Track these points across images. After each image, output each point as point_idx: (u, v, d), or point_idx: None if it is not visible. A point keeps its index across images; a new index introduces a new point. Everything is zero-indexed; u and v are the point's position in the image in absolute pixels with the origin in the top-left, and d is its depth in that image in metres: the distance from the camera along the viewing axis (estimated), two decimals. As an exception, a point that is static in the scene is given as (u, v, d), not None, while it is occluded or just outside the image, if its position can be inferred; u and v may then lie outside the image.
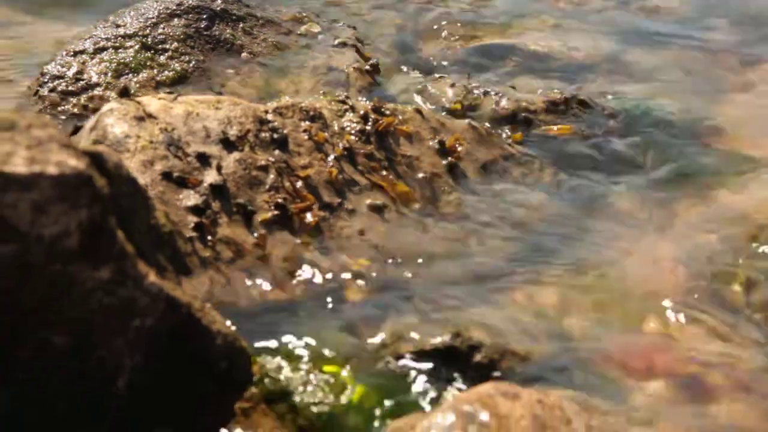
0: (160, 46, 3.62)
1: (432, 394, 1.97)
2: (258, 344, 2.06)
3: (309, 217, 2.53)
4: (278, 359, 2.03)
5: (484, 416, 1.68)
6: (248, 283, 2.29)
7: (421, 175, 2.90)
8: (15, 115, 1.51)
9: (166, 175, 2.36)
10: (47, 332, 1.50)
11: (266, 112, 2.74)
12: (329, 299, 2.29)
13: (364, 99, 3.27)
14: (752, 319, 2.41)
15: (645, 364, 2.18)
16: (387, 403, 1.93)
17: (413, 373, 2.03)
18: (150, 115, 2.49)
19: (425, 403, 1.94)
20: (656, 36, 4.40)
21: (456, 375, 2.03)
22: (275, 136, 2.66)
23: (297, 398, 1.93)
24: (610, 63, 4.09)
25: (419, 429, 1.67)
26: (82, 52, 3.52)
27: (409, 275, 2.44)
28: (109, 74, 3.43)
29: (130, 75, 3.45)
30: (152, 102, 2.55)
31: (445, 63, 3.92)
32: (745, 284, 2.53)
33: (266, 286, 2.30)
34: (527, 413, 1.71)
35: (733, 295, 2.50)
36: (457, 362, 2.05)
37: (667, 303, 2.43)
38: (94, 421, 1.54)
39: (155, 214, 1.87)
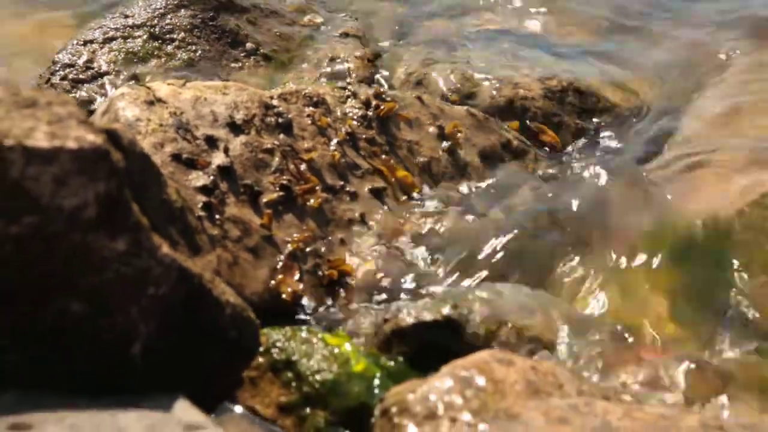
0: (167, 36, 3.67)
1: (431, 363, 2.03)
2: (265, 318, 2.12)
3: (313, 199, 2.59)
4: (284, 332, 2.09)
5: (481, 381, 1.74)
6: (254, 260, 2.36)
7: (421, 159, 2.96)
8: (36, 93, 1.57)
9: (176, 157, 2.42)
10: (67, 299, 1.55)
11: (271, 97, 2.80)
12: (329, 275, 2.35)
13: (366, 86, 3.33)
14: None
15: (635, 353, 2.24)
16: (387, 371, 1.99)
17: (414, 343, 2.09)
18: (160, 100, 2.55)
19: (424, 372, 2.01)
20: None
21: (454, 345, 2.09)
22: (280, 120, 2.72)
23: (302, 368, 1.99)
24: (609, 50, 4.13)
25: (419, 393, 1.73)
26: (91, 41, 3.58)
27: (409, 255, 2.50)
28: (119, 63, 3.49)
29: (139, 64, 3.51)
30: (162, 87, 2.61)
31: (445, 50, 3.96)
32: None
33: (272, 261, 2.36)
34: (521, 378, 1.77)
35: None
36: (455, 333, 2.11)
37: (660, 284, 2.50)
38: (111, 382, 1.60)
39: (167, 190, 1.92)
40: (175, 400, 1.56)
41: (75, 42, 3.57)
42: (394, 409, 1.73)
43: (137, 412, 1.49)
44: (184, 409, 1.54)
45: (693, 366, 2.14)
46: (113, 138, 1.63)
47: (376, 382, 1.96)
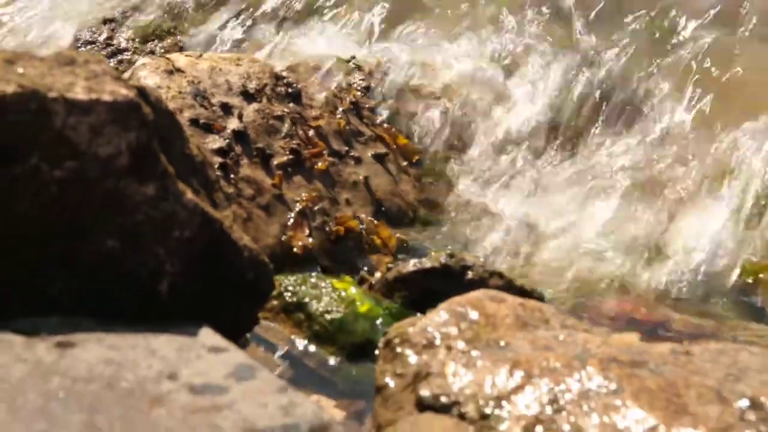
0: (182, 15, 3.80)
1: (429, 305, 2.17)
2: (277, 269, 2.26)
3: (320, 163, 2.73)
4: (295, 278, 2.23)
5: (474, 315, 1.87)
6: (267, 217, 2.49)
7: (419, 128, 3.09)
8: (74, 53, 1.70)
9: (194, 122, 2.55)
10: (103, 237, 1.69)
11: (281, 69, 2.93)
12: (337, 229, 2.48)
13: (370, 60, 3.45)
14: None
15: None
16: (390, 312, 2.13)
17: (414, 288, 2.23)
18: (179, 70, 2.68)
19: (423, 314, 2.14)
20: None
21: (450, 291, 2.22)
22: (290, 90, 2.85)
23: (312, 309, 2.13)
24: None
25: (418, 326, 1.87)
26: (111, 20, 3.71)
27: (410, 212, 2.63)
28: (137, 40, 3.62)
29: (156, 41, 3.64)
30: (180, 58, 2.74)
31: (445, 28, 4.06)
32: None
33: (283, 218, 2.49)
34: (511, 313, 1.91)
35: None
36: (451, 279, 2.25)
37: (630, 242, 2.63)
38: (142, 315, 1.74)
39: (189, 145, 2.05)
40: (200, 327, 1.70)
41: (95, 20, 3.70)
42: (396, 341, 1.87)
43: (167, 336, 1.62)
44: (209, 335, 1.67)
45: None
46: (143, 94, 1.76)
47: (380, 321, 2.09)
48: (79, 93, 1.62)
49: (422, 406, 1.71)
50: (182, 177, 1.88)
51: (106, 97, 1.64)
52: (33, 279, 1.65)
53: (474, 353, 1.77)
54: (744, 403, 1.53)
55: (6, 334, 1.50)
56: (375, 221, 2.64)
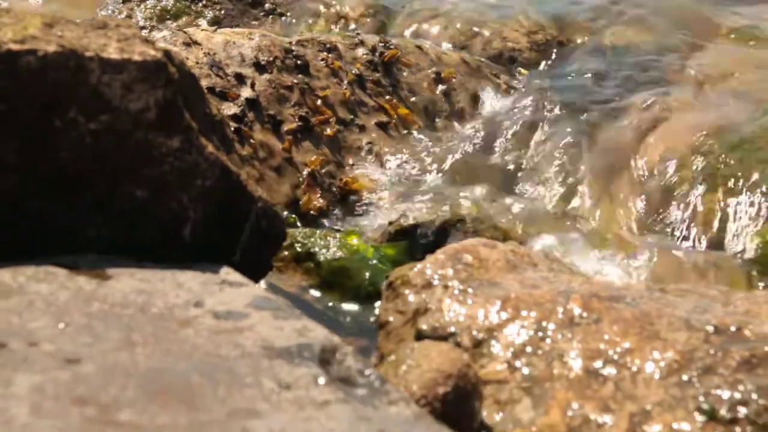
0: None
1: (428, 253, 2.29)
2: (288, 221, 2.39)
3: (328, 129, 2.85)
4: (305, 231, 2.36)
5: (468, 258, 2.00)
6: (278, 177, 2.62)
7: (420, 99, 3.22)
8: (106, 18, 1.82)
9: (211, 90, 2.68)
10: (133, 186, 1.81)
11: (290, 43, 3.05)
12: (343, 189, 2.61)
13: (373, 36, 3.57)
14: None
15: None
16: (392, 259, 2.26)
17: (414, 240, 2.35)
18: (195, 42, 2.80)
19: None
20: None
21: (447, 242, 2.35)
22: (298, 62, 2.97)
23: (320, 258, 2.26)
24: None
25: (417, 269, 1.99)
26: (130, 0, 3.83)
27: (410, 173, 2.76)
28: (154, 19, 3.74)
29: (171, 20, 3.77)
30: (197, 32, 2.86)
31: (444, 6, 4.17)
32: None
33: (293, 179, 2.62)
34: (502, 258, 2.03)
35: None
36: (448, 232, 2.38)
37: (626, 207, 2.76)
38: (167, 256, 1.86)
39: (209, 105, 2.18)
40: (221, 266, 1.83)
41: (115, 1, 3.82)
42: (397, 282, 2.00)
43: (192, 272, 1.75)
44: (229, 273, 1.80)
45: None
46: (168, 56, 1.89)
47: (383, 267, 2.23)
48: (112, 53, 1.75)
49: (421, 337, 1.84)
50: (203, 133, 2.01)
51: (137, 57, 1.76)
52: (72, 222, 1.78)
53: (468, 291, 1.89)
54: (709, 329, 1.66)
55: (50, 267, 1.63)
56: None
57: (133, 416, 1.19)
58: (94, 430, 1.13)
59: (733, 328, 1.65)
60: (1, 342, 1.34)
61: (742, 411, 1.49)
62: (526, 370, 1.69)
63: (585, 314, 1.76)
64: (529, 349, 1.73)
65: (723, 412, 1.49)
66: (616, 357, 1.64)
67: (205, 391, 1.30)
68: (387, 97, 3.12)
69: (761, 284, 2.43)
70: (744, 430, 1.46)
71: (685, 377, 1.57)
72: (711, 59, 3.72)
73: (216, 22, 3.82)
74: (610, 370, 1.62)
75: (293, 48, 3.02)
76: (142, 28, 3.68)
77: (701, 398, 1.53)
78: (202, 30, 2.90)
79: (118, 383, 1.28)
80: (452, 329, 1.82)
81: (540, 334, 1.75)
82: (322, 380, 1.42)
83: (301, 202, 2.61)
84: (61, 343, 1.38)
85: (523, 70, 3.65)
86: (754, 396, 1.50)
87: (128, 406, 1.22)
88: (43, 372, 1.27)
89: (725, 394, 1.52)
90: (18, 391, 1.21)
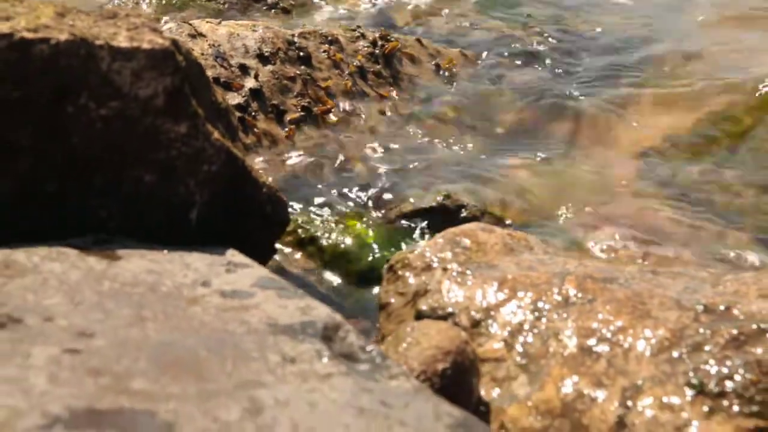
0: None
1: (428, 238, 2.34)
2: (292, 206, 2.43)
3: (330, 117, 2.89)
4: (308, 216, 2.40)
5: (467, 242, 2.04)
6: (281, 164, 2.66)
7: (420, 90, 3.25)
8: (116, 8, 1.86)
9: (216, 80, 2.71)
10: (141, 170, 1.85)
11: (293, 35, 3.09)
12: (345, 175, 2.65)
13: (373, 29, 3.61)
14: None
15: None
16: (392, 243, 2.30)
17: (414, 224, 2.39)
18: (200, 34, 2.84)
19: (422, 245, 2.31)
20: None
21: (447, 227, 2.39)
22: (301, 54, 3.01)
23: (323, 242, 2.30)
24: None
25: (417, 252, 2.03)
26: (136, -8, 3.87)
27: (411, 160, 2.80)
28: (159, 11, 3.77)
29: (176, 12, 3.80)
30: (202, 24, 2.90)
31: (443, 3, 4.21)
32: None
33: (295, 167, 2.66)
34: (500, 241, 2.07)
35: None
36: (447, 217, 2.41)
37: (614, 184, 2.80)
38: (175, 239, 1.90)
39: (214, 93, 2.22)
40: (227, 249, 1.86)
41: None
42: (398, 265, 2.03)
43: (199, 254, 1.79)
44: (235, 255, 1.84)
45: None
46: (176, 45, 1.92)
47: (384, 251, 2.26)
48: (122, 41, 1.78)
49: (421, 317, 1.88)
50: (209, 120, 2.05)
51: (146, 45, 1.80)
52: (82, 205, 1.82)
53: (467, 273, 1.93)
54: (699, 308, 1.70)
55: (63, 248, 1.67)
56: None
57: (146, 385, 1.23)
58: (109, 397, 1.17)
59: (722, 308, 1.69)
60: (18, 317, 1.38)
61: (730, 385, 1.53)
62: (522, 349, 1.73)
63: (579, 295, 1.80)
64: (525, 328, 1.77)
65: (711, 386, 1.53)
66: (609, 335, 1.68)
67: (213, 364, 1.34)
68: (388, 87, 3.16)
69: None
70: (731, 403, 1.50)
71: (675, 354, 1.61)
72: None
73: (219, 15, 3.86)
74: (603, 348, 1.66)
75: (296, 40, 3.06)
76: (148, 20, 3.71)
77: (690, 373, 1.57)
78: (207, 21, 2.93)
79: (130, 356, 1.32)
80: (451, 310, 1.86)
81: (536, 313, 1.78)
82: (325, 355, 1.45)
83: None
84: (75, 318, 1.42)
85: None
86: (741, 371, 1.54)
87: (140, 376, 1.26)
88: (58, 345, 1.31)
89: (713, 370, 1.55)
90: (36, 362, 1.25)
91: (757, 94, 3.18)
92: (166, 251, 1.77)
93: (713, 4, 4.25)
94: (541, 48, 3.77)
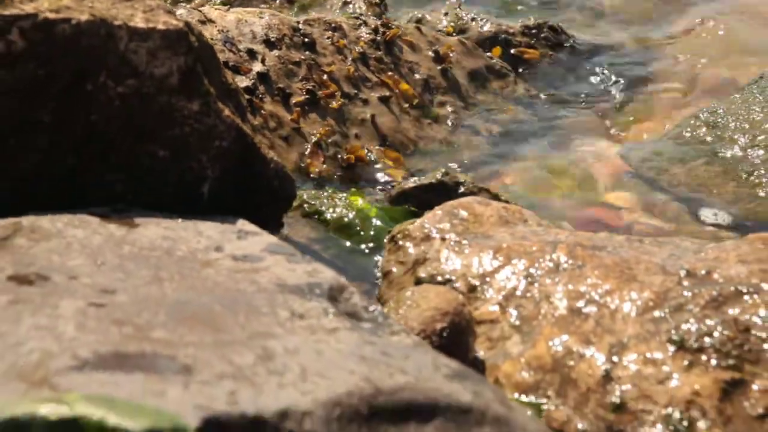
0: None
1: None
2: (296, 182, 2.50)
3: (333, 102, 2.97)
4: (313, 193, 2.47)
5: (464, 214, 2.12)
6: (287, 146, 2.74)
7: (419, 76, 3.32)
8: (132, -9, 1.94)
9: (225, 64, 2.78)
10: (156, 146, 1.93)
11: (298, 22, 3.16)
12: (350, 160, 2.73)
13: (375, 18, 3.68)
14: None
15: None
16: (394, 217, 2.37)
17: (415, 200, 2.47)
18: (210, 20, 2.91)
19: (422, 219, 2.39)
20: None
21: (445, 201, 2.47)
22: (306, 40, 3.08)
23: (327, 215, 2.37)
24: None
25: (417, 223, 2.11)
26: (145, -17, 3.93)
27: (411, 145, 2.88)
28: (168, 1, 3.84)
29: (184, 2, 3.86)
30: (211, 11, 2.97)
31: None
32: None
33: (300, 147, 2.74)
34: (495, 213, 2.15)
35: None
36: (446, 193, 2.48)
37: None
38: (189, 208, 1.98)
39: (224, 73, 2.29)
40: (237, 218, 1.94)
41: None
42: (399, 236, 2.11)
43: (211, 223, 1.87)
44: (245, 224, 1.91)
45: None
46: (189, 27, 2.00)
47: (386, 224, 2.34)
48: (139, 22, 1.86)
49: (420, 284, 1.96)
50: (220, 98, 2.12)
51: (161, 26, 1.87)
52: (100, 178, 1.89)
53: (464, 242, 2.01)
54: (682, 273, 1.78)
55: (84, 215, 1.75)
56: (382, 149, 2.89)
57: (165, 335, 1.31)
58: (133, 343, 1.25)
59: (703, 272, 1.77)
60: (45, 275, 1.46)
61: (708, 341, 1.61)
62: (515, 311, 1.81)
63: (570, 261, 1.87)
64: (518, 292, 1.84)
65: (691, 342, 1.61)
66: (597, 297, 1.76)
67: (227, 318, 1.42)
68: (389, 73, 3.23)
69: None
70: (709, 357, 1.58)
71: (658, 314, 1.69)
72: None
73: (227, 4, 3.92)
74: (591, 309, 1.74)
75: (301, 27, 3.13)
76: (158, 10, 3.78)
77: (672, 331, 1.65)
78: (216, 8, 3.01)
79: (150, 310, 1.40)
80: (449, 276, 1.94)
81: (529, 279, 1.86)
82: (331, 312, 1.53)
83: (308, 169, 2.73)
84: (98, 277, 1.50)
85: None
86: (719, 329, 1.62)
87: (160, 327, 1.34)
88: (84, 299, 1.39)
89: (694, 327, 1.63)
90: (64, 312, 1.33)
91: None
92: (180, 220, 1.85)
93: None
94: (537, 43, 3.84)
